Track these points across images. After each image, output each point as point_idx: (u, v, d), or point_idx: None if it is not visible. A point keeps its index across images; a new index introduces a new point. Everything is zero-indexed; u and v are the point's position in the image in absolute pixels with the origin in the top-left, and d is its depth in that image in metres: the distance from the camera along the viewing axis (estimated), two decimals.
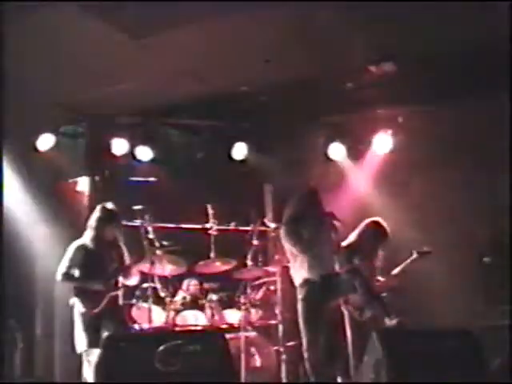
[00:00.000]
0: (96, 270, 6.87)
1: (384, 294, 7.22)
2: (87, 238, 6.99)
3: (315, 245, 6.69)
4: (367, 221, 7.36)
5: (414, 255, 7.45)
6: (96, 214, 7.04)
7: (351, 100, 8.28)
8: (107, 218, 6.99)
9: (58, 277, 6.91)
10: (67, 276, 6.87)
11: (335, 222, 6.83)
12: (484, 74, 7.34)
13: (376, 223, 7.33)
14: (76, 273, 6.88)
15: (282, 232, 6.91)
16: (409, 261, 7.45)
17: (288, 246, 6.86)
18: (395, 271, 7.47)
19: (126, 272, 7.05)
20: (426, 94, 8.07)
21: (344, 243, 7.16)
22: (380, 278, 7.34)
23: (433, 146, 8.48)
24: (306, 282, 6.67)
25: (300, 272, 6.75)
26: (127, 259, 7.07)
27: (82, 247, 6.93)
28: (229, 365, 5.45)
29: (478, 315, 7.71)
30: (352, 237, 7.28)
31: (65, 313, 7.23)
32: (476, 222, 8.20)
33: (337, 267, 6.81)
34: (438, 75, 7.54)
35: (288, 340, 7.66)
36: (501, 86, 7.15)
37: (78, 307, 6.80)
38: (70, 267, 6.86)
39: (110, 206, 7.07)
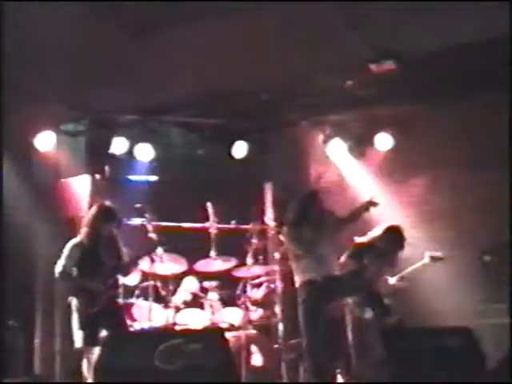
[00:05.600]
0: (93, 267, 6.86)
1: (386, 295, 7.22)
2: (84, 236, 6.98)
3: (317, 246, 6.68)
4: (389, 224, 7.35)
5: (426, 260, 7.44)
6: (93, 211, 7.03)
7: (352, 99, 8.28)
8: (105, 215, 6.98)
9: (56, 275, 6.91)
10: (64, 274, 6.86)
11: (336, 221, 6.82)
12: (484, 73, 7.34)
13: (397, 229, 7.32)
14: (73, 271, 6.87)
15: (284, 233, 6.91)
16: (420, 264, 7.45)
17: (290, 247, 6.86)
18: (404, 273, 7.45)
19: (125, 270, 7.05)
20: (426, 93, 8.07)
21: (359, 240, 7.18)
22: (390, 279, 7.33)
23: (433, 145, 8.48)
24: (308, 282, 6.67)
25: (302, 273, 6.74)
26: (125, 257, 7.07)
27: (79, 245, 6.92)
28: (229, 364, 5.45)
29: (478, 314, 7.71)
30: (369, 236, 7.28)
31: (65, 312, 7.23)
32: (476, 221, 8.20)
33: (337, 268, 6.81)
34: (439, 74, 7.54)
35: (288, 338, 7.66)
36: (501, 85, 7.15)
37: (77, 306, 6.80)
38: (67, 265, 6.85)
39: (107, 203, 7.07)
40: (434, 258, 7.44)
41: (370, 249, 7.20)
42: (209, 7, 5.64)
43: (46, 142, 8.66)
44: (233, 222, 8.23)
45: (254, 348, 7.74)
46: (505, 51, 6.49)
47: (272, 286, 8.01)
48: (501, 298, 7.56)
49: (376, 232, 7.32)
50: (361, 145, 9.08)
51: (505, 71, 6.88)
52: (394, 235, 7.30)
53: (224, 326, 7.82)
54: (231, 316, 8.10)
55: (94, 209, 7.04)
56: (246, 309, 7.88)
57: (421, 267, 7.47)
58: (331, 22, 6.18)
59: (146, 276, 7.65)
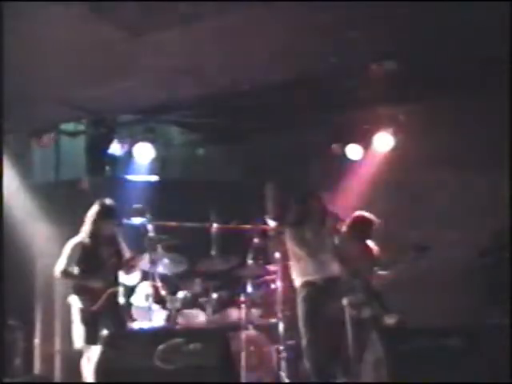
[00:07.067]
0: (94, 266, 6.88)
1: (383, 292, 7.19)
2: (85, 234, 6.99)
3: (319, 247, 6.68)
4: (351, 217, 7.34)
5: (414, 250, 7.36)
6: (94, 209, 7.04)
7: (352, 98, 8.27)
8: (105, 213, 7.00)
9: (56, 274, 6.92)
10: (65, 273, 6.88)
11: (337, 223, 6.81)
12: (484, 73, 7.34)
13: (361, 217, 7.31)
14: (74, 270, 6.89)
15: (286, 234, 6.89)
16: (408, 256, 7.36)
17: (292, 248, 6.85)
18: (395, 266, 7.40)
19: (127, 266, 7.06)
20: (427, 93, 8.07)
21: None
22: (381, 273, 7.30)
23: (433, 145, 8.48)
24: (308, 283, 6.67)
25: (302, 273, 6.74)
26: (126, 254, 7.08)
27: (80, 244, 6.94)
28: (229, 363, 5.45)
29: (479, 314, 7.71)
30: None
31: (65, 310, 7.24)
32: (476, 220, 8.20)
33: (337, 268, 6.81)
34: (439, 74, 7.54)
35: (288, 338, 7.66)
36: (501, 85, 7.14)
37: (77, 304, 6.80)
38: (68, 264, 6.86)
39: (108, 201, 7.07)
40: (420, 249, 7.31)
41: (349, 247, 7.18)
42: (209, 5, 5.63)
43: (47, 141, 8.67)
44: (233, 221, 8.22)
45: (253, 348, 7.73)
46: (505, 51, 6.48)
47: (272, 285, 8.01)
48: (501, 299, 7.56)
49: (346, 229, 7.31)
50: (361, 145, 9.07)
51: (505, 71, 6.87)
52: (358, 224, 7.27)
53: (224, 325, 7.83)
54: (231, 316, 8.10)
55: (94, 207, 7.05)
56: (246, 308, 7.88)
57: (408, 260, 7.33)
58: (331, 21, 6.17)
59: (145, 275, 7.64)
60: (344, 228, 7.26)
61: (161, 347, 5.21)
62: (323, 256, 6.73)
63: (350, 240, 7.22)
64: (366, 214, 7.35)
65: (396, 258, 7.30)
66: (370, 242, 7.42)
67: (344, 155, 9.07)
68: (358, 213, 7.40)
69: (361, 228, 7.29)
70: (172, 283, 8.06)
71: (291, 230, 6.88)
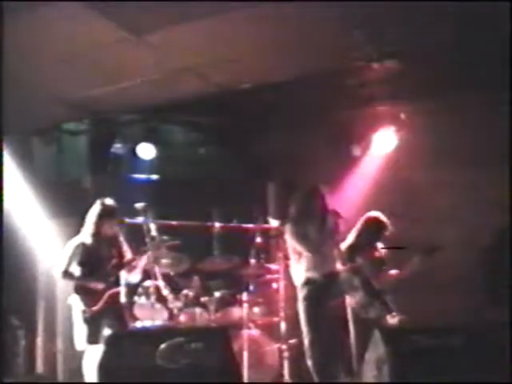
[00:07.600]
0: (95, 267, 6.88)
1: (385, 291, 7.18)
2: (86, 234, 6.99)
3: (320, 244, 6.68)
4: (365, 217, 7.31)
5: (425, 250, 7.27)
6: (95, 209, 7.04)
7: (353, 97, 8.28)
8: (106, 213, 6.99)
9: (58, 275, 6.93)
10: (66, 274, 6.88)
11: (339, 220, 6.80)
12: (485, 72, 7.33)
13: (375, 218, 7.27)
14: (76, 270, 6.89)
15: (288, 230, 6.89)
16: (419, 255, 7.28)
17: (293, 245, 6.84)
18: (406, 265, 7.32)
19: (127, 268, 7.06)
20: (428, 92, 8.07)
21: (345, 243, 7.12)
22: (391, 272, 7.24)
23: (435, 144, 8.48)
24: (308, 281, 6.67)
25: (302, 271, 6.74)
26: (128, 254, 7.08)
27: (81, 244, 6.94)
28: (231, 362, 5.46)
29: (480, 313, 7.70)
30: (352, 236, 7.23)
31: (67, 310, 7.25)
32: (477, 220, 8.20)
33: (339, 266, 6.80)
34: (440, 73, 7.54)
35: (290, 337, 7.67)
36: (502, 84, 7.14)
37: (78, 304, 6.81)
38: (69, 265, 6.87)
39: (108, 201, 7.07)
40: (433, 249, 7.24)
41: (359, 247, 7.14)
42: (210, 4, 5.64)
43: (48, 141, 8.69)
44: (234, 221, 8.23)
45: (255, 347, 7.74)
46: (505, 50, 6.49)
47: (274, 284, 8.02)
48: (501, 298, 7.55)
49: (357, 229, 7.27)
50: (363, 143, 9.07)
51: (505, 70, 6.87)
52: (375, 224, 7.24)
53: (226, 324, 7.83)
54: (233, 315, 8.10)
55: (95, 207, 7.06)
56: (248, 308, 7.89)
57: (418, 260, 7.28)
58: (332, 20, 6.17)
59: (147, 275, 7.65)
60: (357, 226, 7.25)
61: (163, 346, 5.22)
62: (324, 252, 6.72)
63: (358, 238, 7.21)
64: (382, 217, 7.26)
65: (404, 259, 7.28)
66: (378, 244, 7.39)
67: (345, 155, 9.07)
68: (373, 213, 7.32)
69: (372, 229, 7.22)
70: (174, 282, 8.07)
71: (293, 227, 6.87)
